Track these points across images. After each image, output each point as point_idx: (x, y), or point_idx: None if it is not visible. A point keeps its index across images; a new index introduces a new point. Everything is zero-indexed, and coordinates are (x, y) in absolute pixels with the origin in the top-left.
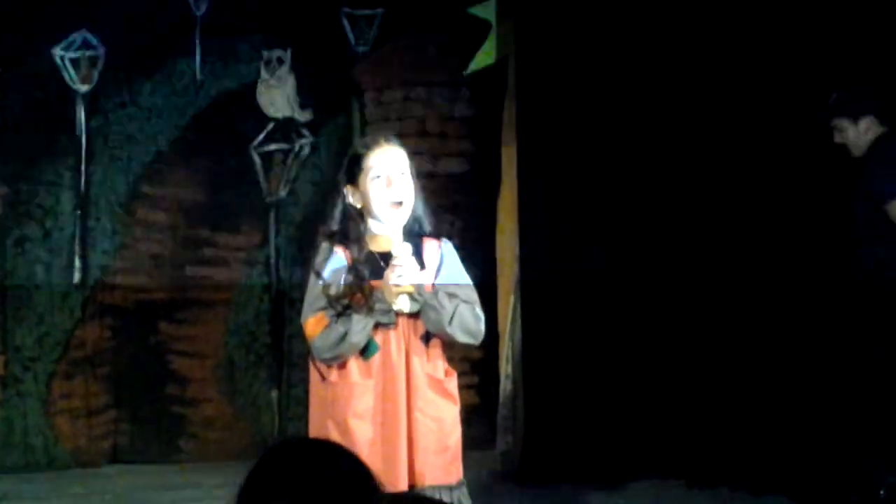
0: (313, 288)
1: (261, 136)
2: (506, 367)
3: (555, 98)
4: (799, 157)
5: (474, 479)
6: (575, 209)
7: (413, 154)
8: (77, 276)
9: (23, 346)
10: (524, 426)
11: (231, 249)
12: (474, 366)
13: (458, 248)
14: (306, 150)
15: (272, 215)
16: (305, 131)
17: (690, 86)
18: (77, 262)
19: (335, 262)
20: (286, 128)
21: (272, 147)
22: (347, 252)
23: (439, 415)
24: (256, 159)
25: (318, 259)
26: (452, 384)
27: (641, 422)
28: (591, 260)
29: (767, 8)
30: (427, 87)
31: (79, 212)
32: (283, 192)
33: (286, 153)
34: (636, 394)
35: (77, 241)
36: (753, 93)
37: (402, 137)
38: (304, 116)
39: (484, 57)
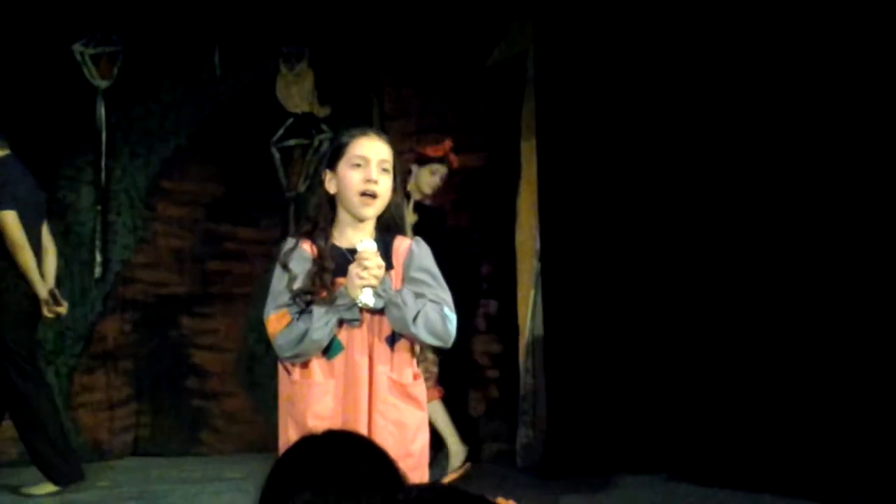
0: (278, 283)
1: (280, 132)
2: (526, 361)
3: (574, 92)
4: (812, 152)
5: (495, 473)
6: (595, 203)
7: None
8: (98, 271)
9: (44, 340)
10: (545, 420)
11: (251, 244)
12: (495, 360)
13: (476, 242)
14: (325, 145)
15: (291, 210)
16: (324, 126)
17: (708, 78)
18: (98, 257)
19: (299, 256)
20: (305, 123)
21: (291, 142)
22: (313, 246)
23: (401, 419)
24: (276, 154)
25: (283, 252)
26: (419, 388)
27: (663, 416)
28: (610, 253)
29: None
30: (446, 82)
31: (99, 207)
32: (302, 187)
33: (305, 148)
34: (657, 387)
35: (97, 235)
36: (771, 85)
37: (421, 132)
38: (323, 112)
39: (503, 51)
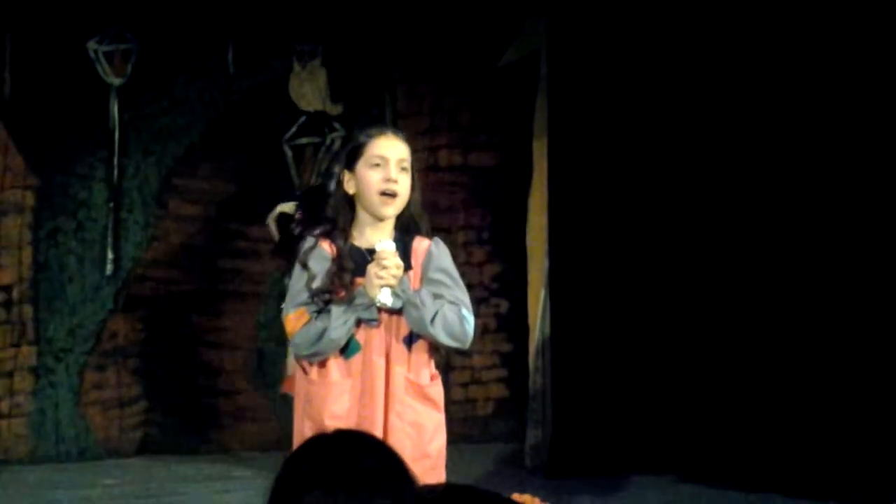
0: (297, 282)
1: (292, 129)
2: (535, 361)
3: (587, 91)
4: (822, 156)
5: (503, 472)
6: (605, 203)
7: (444, 147)
8: (109, 268)
9: (55, 337)
10: (553, 420)
11: (262, 242)
12: (504, 359)
13: (485, 241)
14: (337, 144)
15: None
16: (337, 124)
17: (723, 78)
18: (109, 254)
19: (318, 255)
20: (318, 121)
21: (304, 140)
22: (333, 246)
23: (418, 420)
24: (288, 152)
25: (302, 251)
26: (436, 389)
27: (671, 416)
28: (620, 253)
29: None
30: (459, 80)
31: (111, 204)
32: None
33: (317, 146)
34: (665, 388)
35: (109, 233)
36: (784, 88)
37: (434, 130)
38: (335, 109)
39: (516, 50)
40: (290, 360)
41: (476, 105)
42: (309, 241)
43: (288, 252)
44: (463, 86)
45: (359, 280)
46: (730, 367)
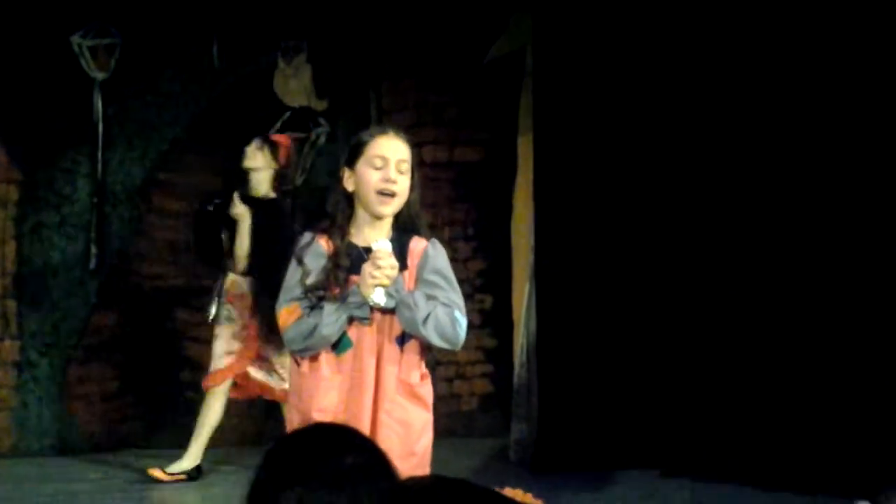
0: (291, 276)
1: (277, 125)
2: (520, 356)
3: (572, 87)
4: (811, 149)
5: (488, 467)
6: (591, 198)
7: (429, 142)
8: (93, 263)
9: (39, 331)
10: (538, 415)
11: None
12: (489, 354)
13: (470, 237)
14: (322, 139)
15: (288, 203)
16: (322, 120)
17: (707, 74)
18: (93, 249)
19: (315, 251)
20: (302, 116)
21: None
22: (329, 242)
23: (406, 418)
24: None
25: (299, 246)
26: (425, 389)
27: (656, 410)
28: (606, 249)
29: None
30: (444, 76)
31: (95, 198)
32: (298, 181)
33: (302, 142)
34: (650, 383)
35: (93, 227)
36: (770, 81)
37: (419, 126)
38: (320, 105)
39: (502, 46)
40: (215, 357)
41: (461, 101)
42: (306, 237)
43: (205, 250)
44: (448, 82)
45: (354, 278)
46: (715, 362)
